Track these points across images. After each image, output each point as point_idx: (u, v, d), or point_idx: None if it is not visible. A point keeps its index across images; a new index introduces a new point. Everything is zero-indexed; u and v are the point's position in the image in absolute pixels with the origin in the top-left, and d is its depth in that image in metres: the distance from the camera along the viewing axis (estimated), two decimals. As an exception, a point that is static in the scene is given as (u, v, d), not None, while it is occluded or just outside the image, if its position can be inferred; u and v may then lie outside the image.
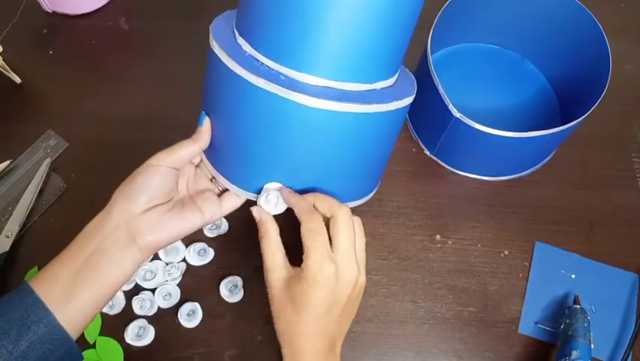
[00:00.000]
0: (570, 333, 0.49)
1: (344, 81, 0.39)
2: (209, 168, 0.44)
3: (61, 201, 0.58)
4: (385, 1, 0.36)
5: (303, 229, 0.37)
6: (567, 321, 0.51)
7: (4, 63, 0.63)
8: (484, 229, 0.59)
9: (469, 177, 0.62)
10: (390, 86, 0.43)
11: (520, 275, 0.57)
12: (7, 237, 0.54)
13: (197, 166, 0.46)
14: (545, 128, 0.51)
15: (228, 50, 0.39)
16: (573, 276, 0.57)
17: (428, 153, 0.63)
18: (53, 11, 0.70)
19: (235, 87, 0.39)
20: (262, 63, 0.39)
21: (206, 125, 0.42)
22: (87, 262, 0.38)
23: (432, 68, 0.53)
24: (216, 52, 0.39)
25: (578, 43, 0.59)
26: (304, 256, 0.37)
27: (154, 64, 0.68)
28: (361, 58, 0.39)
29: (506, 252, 0.58)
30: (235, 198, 0.44)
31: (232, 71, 0.38)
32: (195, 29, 0.72)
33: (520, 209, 0.60)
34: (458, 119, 0.52)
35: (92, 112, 0.64)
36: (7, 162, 0.59)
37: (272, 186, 0.41)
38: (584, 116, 0.51)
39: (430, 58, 0.53)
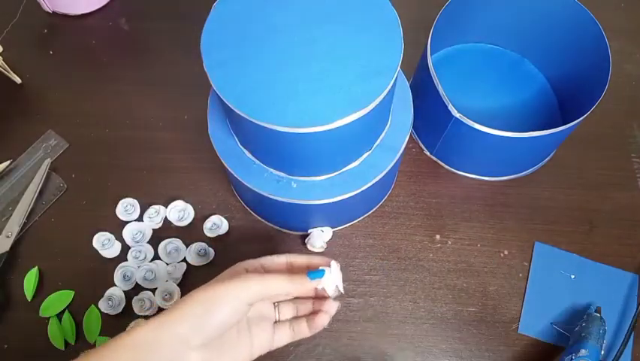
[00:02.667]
0: (583, 334, 0.50)
1: (329, 174, 0.47)
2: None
3: (61, 201, 0.58)
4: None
5: None
6: (583, 325, 0.51)
7: (4, 63, 0.63)
8: (484, 229, 0.59)
9: (469, 177, 0.62)
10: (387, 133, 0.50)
11: (520, 275, 0.57)
12: (7, 237, 0.54)
13: None
14: (545, 129, 0.51)
15: (235, 162, 0.47)
16: (573, 276, 0.57)
17: (428, 153, 0.63)
18: (53, 11, 0.70)
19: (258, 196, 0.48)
20: (271, 172, 0.47)
21: (313, 283, 0.38)
22: None
23: (432, 68, 0.53)
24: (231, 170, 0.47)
25: (578, 43, 0.59)
26: None
27: (154, 64, 0.68)
28: (358, 151, 0.47)
29: (506, 252, 0.58)
30: (288, 332, 0.41)
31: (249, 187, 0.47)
32: (195, 29, 0.72)
33: (520, 209, 0.60)
34: (458, 119, 0.52)
35: (92, 112, 0.64)
36: (7, 162, 0.59)
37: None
38: (584, 116, 0.51)
39: (430, 58, 0.53)
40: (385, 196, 0.59)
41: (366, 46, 0.40)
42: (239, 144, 0.47)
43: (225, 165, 0.47)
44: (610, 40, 0.55)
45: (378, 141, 0.48)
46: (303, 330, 0.41)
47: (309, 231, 0.55)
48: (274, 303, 0.42)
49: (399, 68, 0.40)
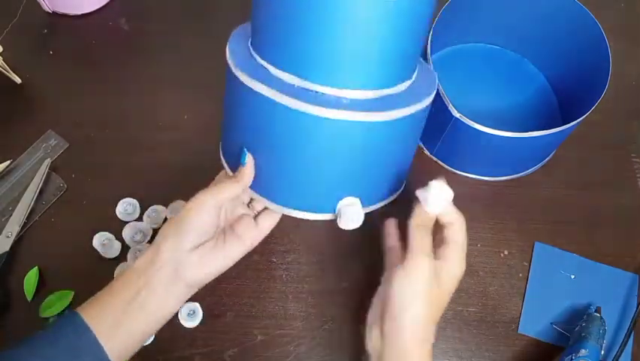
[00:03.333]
0: (583, 334, 0.50)
1: (383, 89, 0.40)
2: (264, 202, 0.44)
3: (61, 201, 0.58)
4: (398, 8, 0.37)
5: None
6: (583, 325, 0.51)
7: (4, 63, 0.63)
8: (484, 229, 0.59)
9: (469, 177, 0.62)
10: (411, 85, 0.44)
11: (520, 275, 0.57)
12: (7, 237, 0.54)
13: None
14: (545, 128, 0.51)
15: (256, 74, 0.39)
16: (573, 276, 0.57)
17: (428, 153, 0.63)
18: (53, 11, 0.70)
19: (274, 112, 0.38)
20: (293, 85, 0.39)
21: (249, 164, 0.42)
22: (136, 297, 0.39)
23: (432, 68, 0.53)
24: (247, 82, 0.39)
25: (578, 44, 0.59)
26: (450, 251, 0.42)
27: (154, 64, 0.68)
28: (399, 64, 0.40)
29: (506, 252, 0.58)
30: (270, 217, 0.45)
31: (267, 97, 0.38)
32: (195, 29, 0.73)
33: (520, 209, 0.60)
34: (458, 119, 0.52)
35: (92, 112, 0.64)
36: (7, 162, 0.59)
37: (350, 202, 0.42)
38: (584, 116, 0.51)
39: (430, 58, 0.53)
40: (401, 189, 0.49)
41: None
42: (259, 59, 0.41)
43: (240, 76, 0.39)
44: (610, 40, 0.55)
45: (413, 78, 0.43)
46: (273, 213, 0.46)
47: (337, 209, 0.43)
48: (248, 204, 0.47)
49: None
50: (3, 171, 0.59)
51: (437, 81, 0.46)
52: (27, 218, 0.56)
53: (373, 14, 0.36)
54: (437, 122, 0.56)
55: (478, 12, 0.62)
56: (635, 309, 0.54)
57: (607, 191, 0.62)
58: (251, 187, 0.43)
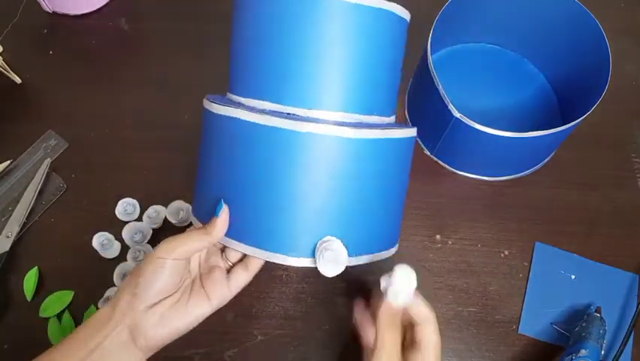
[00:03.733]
0: (583, 335, 0.50)
1: (356, 113, 0.39)
2: (234, 247, 0.39)
3: (61, 201, 0.58)
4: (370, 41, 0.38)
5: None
6: (583, 325, 0.51)
7: (4, 63, 0.63)
8: (484, 229, 0.59)
9: (469, 177, 0.62)
10: (393, 123, 0.44)
11: (520, 275, 0.57)
12: (7, 237, 0.54)
13: None
14: (545, 128, 0.51)
15: (230, 106, 0.39)
16: (573, 276, 0.57)
17: (428, 153, 0.63)
18: (53, 11, 0.70)
19: (245, 134, 0.37)
20: (264, 108, 0.38)
21: (223, 215, 0.38)
22: (88, 358, 0.37)
23: (432, 68, 0.53)
24: (217, 110, 0.39)
25: (578, 43, 0.59)
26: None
27: (154, 64, 0.68)
28: (372, 90, 0.40)
29: (506, 252, 0.58)
30: (244, 275, 0.43)
31: (238, 119, 0.37)
32: (195, 29, 0.73)
33: (520, 209, 0.60)
34: (458, 119, 0.52)
35: (92, 112, 0.64)
36: (7, 162, 0.59)
37: (337, 247, 0.37)
38: (584, 116, 0.51)
39: (430, 58, 0.53)
40: (392, 247, 0.45)
41: None
42: (233, 96, 0.41)
43: (210, 109, 0.40)
44: (610, 40, 0.55)
45: (390, 119, 0.43)
46: (256, 262, 0.43)
47: (318, 251, 0.38)
48: (222, 253, 0.44)
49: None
50: (3, 171, 0.59)
51: (415, 133, 0.44)
52: (27, 218, 0.56)
53: (336, 36, 0.37)
54: (437, 122, 0.56)
55: (477, 12, 0.62)
56: (635, 309, 0.54)
57: (607, 191, 0.62)
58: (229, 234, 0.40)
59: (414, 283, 0.38)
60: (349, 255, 0.38)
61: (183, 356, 0.52)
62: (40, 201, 0.58)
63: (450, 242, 0.58)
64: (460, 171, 0.62)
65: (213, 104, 0.39)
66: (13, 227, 0.55)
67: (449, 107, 0.52)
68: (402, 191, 0.45)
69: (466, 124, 0.51)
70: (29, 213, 0.56)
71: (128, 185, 0.59)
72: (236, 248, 0.39)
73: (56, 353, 0.38)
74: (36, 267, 0.54)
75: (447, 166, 0.62)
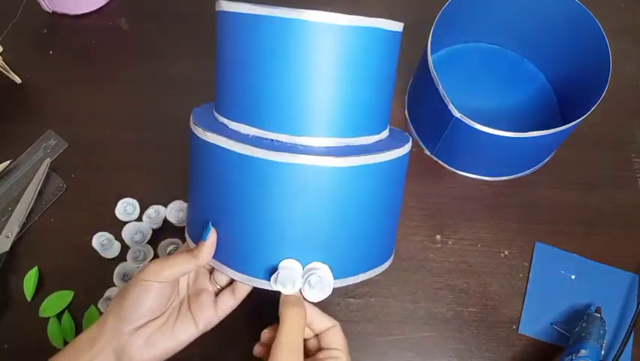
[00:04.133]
0: (583, 335, 0.50)
1: (352, 137, 0.39)
2: (221, 270, 0.40)
3: (61, 201, 0.58)
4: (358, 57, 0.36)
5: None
6: (583, 325, 0.51)
7: (4, 63, 0.63)
8: (484, 229, 0.59)
9: (469, 177, 0.62)
10: (385, 138, 0.43)
11: (520, 275, 0.57)
12: (7, 237, 0.54)
13: None
14: (545, 128, 0.51)
15: (214, 129, 0.38)
16: (573, 276, 0.57)
17: (428, 153, 0.63)
18: (53, 11, 0.70)
19: (229, 163, 0.37)
20: (270, 139, 0.37)
21: (211, 240, 0.38)
22: None
23: (432, 68, 0.53)
24: (202, 135, 0.38)
25: (578, 44, 0.59)
26: None
27: (154, 64, 0.68)
28: (365, 112, 0.39)
29: (506, 252, 0.58)
30: (231, 300, 0.42)
31: (221, 147, 0.36)
32: (195, 29, 0.73)
33: (520, 209, 0.60)
34: (458, 119, 0.52)
35: (91, 112, 0.64)
36: (7, 162, 0.59)
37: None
38: (584, 117, 0.51)
39: (430, 58, 0.53)
40: (385, 261, 0.44)
41: None
42: (219, 117, 0.40)
43: (195, 129, 0.39)
44: (610, 40, 0.55)
45: (380, 136, 0.42)
46: (243, 287, 0.42)
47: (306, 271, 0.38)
48: (210, 276, 0.44)
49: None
50: (3, 171, 0.59)
51: (410, 142, 0.43)
52: (27, 218, 0.56)
53: (323, 61, 0.35)
54: (437, 122, 0.56)
55: (477, 12, 0.62)
56: (635, 309, 0.54)
57: (607, 191, 0.62)
58: (216, 256, 0.40)
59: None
60: (335, 278, 0.38)
61: (183, 356, 0.52)
62: (40, 201, 0.58)
63: (450, 242, 0.58)
64: (460, 171, 0.62)
65: (198, 127, 0.39)
66: (13, 227, 0.55)
67: (449, 107, 0.52)
68: (395, 207, 0.43)
69: (466, 124, 0.51)
70: (29, 213, 0.56)
71: (128, 185, 0.59)
72: (224, 272, 0.39)
73: None
74: (36, 267, 0.54)
75: (447, 166, 0.62)
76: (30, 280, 0.53)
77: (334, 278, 0.38)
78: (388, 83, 0.41)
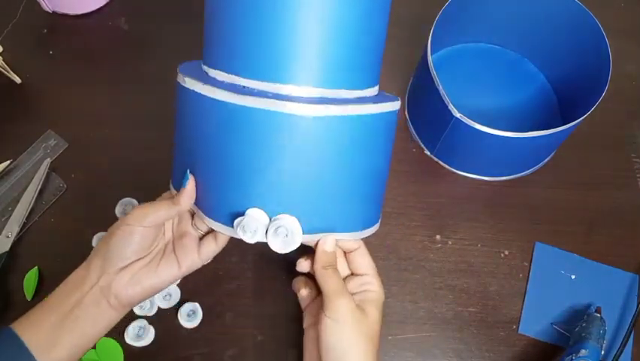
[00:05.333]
0: (583, 335, 0.50)
1: (331, 88, 0.37)
2: (201, 218, 0.41)
3: (61, 201, 0.58)
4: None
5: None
6: (583, 325, 0.51)
7: (4, 63, 0.63)
8: (484, 229, 0.59)
9: (469, 177, 0.62)
10: (371, 96, 0.41)
11: (520, 275, 0.57)
12: (7, 237, 0.54)
13: None
14: (545, 128, 0.51)
15: (193, 76, 0.39)
16: (573, 276, 0.57)
17: (428, 153, 0.63)
18: (53, 11, 0.70)
19: (202, 107, 0.37)
20: (242, 85, 0.37)
21: (189, 186, 0.40)
22: (70, 313, 0.39)
23: (432, 68, 0.53)
24: (187, 83, 0.39)
25: (578, 44, 0.59)
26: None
27: (154, 64, 0.68)
28: (345, 63, 0.37)
29: (506, 252, 0.58)
30: (213, 246, 0.43)
31: (194, 91, 0.37)
32: (195, 29, 0.72)
33: (520, 209, 0.60)
34: (458, 119, 0.52)
35: (92, 112, 0.64)
36: (7, 162, 0.59)
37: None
38: (584, 117, 0.51)
39: (430, 58, 0.53)
40: (370, 227, 0.44)
41: None
42: (207, 69, 0.40)
43: (181, 80, 0.40)
44: (610, 40, 0.55)
45: (367, 92, 0.40)
46: (224, 235, 0.43)
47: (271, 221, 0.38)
48: (192, 222, 0.45)
49: None
50: (3, 171, 0.59)
51: (399, 101, 0.42)
52: (27, 218, 0.56)
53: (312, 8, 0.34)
54: (437, 122, 0.56)
55: (477, 12, 0.62)
56: (635, 309, 0.54)
57: (607, 191, 0.62)
58: (195, 203, 0.41)
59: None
60: (305, 232, 0.38)
61: (183, 356, 0.52)
62: (40, 201, 0.58)
63: (450, 242, 0.58)
64: (460, 171, 0.62)
65: (179, 74, 0.40)
66: (13, 227, 0.55)
67: (449, 107, 0.52)
68: (377, 170, 0.42)
69: (466, 124, 0.51)
70: (29, 213, 0.56)
71: (128, 185, 0.59)
72: (199, 217, 0.41)
73: (40, 311, 0.40)
74: (36, 267, 0.54)
75: (447, 166, 0.62)
76: (30, 280, 0.53)
77: (303, 232, 0.38)
78: (379, 33, 0.39)
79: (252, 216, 0.37)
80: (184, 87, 0.39)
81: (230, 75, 0.37)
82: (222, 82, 0.38)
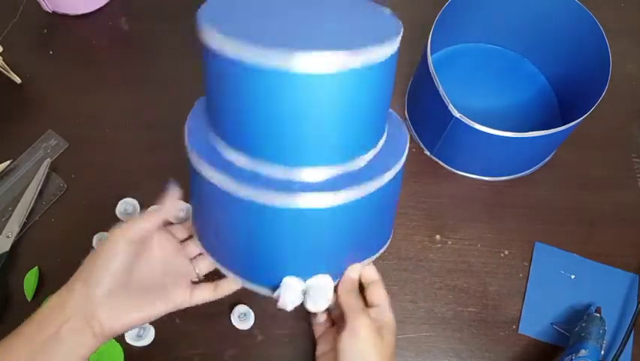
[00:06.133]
0: (583, 335, 0.50)
1: (347, 162, 0.37)
2: (218, 266, 0.41)
3: (61, 201, 0.58)
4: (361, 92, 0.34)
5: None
6: (583, 325, 0.51)
7: (4, 63, 0.63)
8: (484, 229, 0.59)
9: (469, 177, 0.62)
10: (380, 149, 0.41)
11: (520, 275, 0.57)
12: (7, 237, 0.54)
13: (182, 242, 0.46)
14: (545, 129, 0.51)
15: (210, 157, 0.37)
16: (573, 276, 0.57)
17: (428, 153, 0.63)
18: (53, 11, 0.70)
19: (224, 199, 0.37)
20: (251, 171, 0.36)
21: (172, 195, 0.41)
22: (43, 349, 0.36)
23: (432, 68, 0.53)
24: (197, 165, 0.38)
25: (578, 43, 0.59)
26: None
27: (154, 64, 0.68)
28: (359, 138, 0.37)
29: (506, 252, 0.58)
30: (209, 293, 0.44)
31: (217, 186, 0.36)
32: (195, 29, 0.72)
33: (520, 209, 0.60)
34: (458, 119, 0.52)
35: (92, 112, 0.64)
36: (7, 162, 0.59)
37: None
38: (584, 116, 0.51)
39: (430, 58, 0.53)
40: (384, 245, 0.47)
41: (368, 23, 0.36)
42: (218, 144, 0.39)
43: (197, 165, 0.38)
44: (610, 40, 0.55)
45: (381, 142, 0.40)
46: (226, 287, 0.44)
47: (305, 285, 0.40)
48: (190, 260, 0.45)
49: (399, 38, 0.35)
50: (3, 171, 0.59)
51: (407, 139, 0.42)
52: (27, 218, 0.56)
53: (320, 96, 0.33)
54: (437, 122, 0.56)
55: (478, 12, 0.62)
56: (635, 309, 0.54)
57: (607, 191, 0.62)
58: (220, 262, 0.41)
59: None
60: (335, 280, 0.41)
61: (183, 356, 0.52)
62: (40, 201, 0.58)
63: (450, 242, 0.58)
64: (460, 171, 0.62)
65: (193, 154, 0.38)
66: (13, 227, 0.55)
67: (449, 107, 0.52)
68: (393, 207, 0.44)
69: (466, 124, 0.51)
70: (29, 213, 0.56)
71: (128, 185, 0.59)
72: (229, 276, 0.41)
73: (12, 346, 0.37)
74: (36, 267, 0.54)
75: (447, 166, 0.62)
76: (30, 280, 0.53)
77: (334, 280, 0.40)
78: (386, 105, 0.40)
79: (289, 285, 0.38)
80: (201, 174, 0.38)
81: (249, 160, 0.36)
82: (242, 169, 0.36)
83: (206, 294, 0.43)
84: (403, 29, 0.36)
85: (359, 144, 0.38)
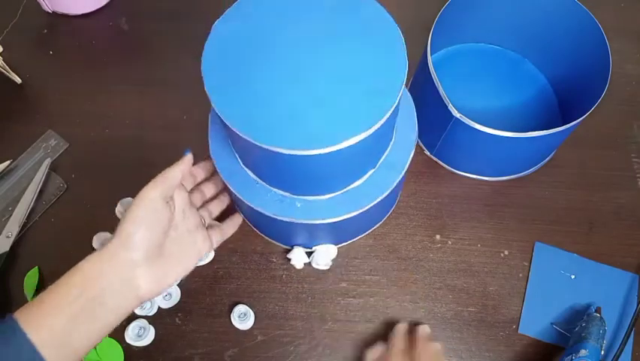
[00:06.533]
0: (583, 335, 0.50)
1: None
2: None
3: (61, 201, 0.58)
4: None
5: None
6: (583, 325, 0.51)
7: (4, 63, 0.63)
8: (484, 229, 0.59)
9: (469, 177, 0.62)
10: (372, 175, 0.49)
11: (520, 275, 0.57)
12: (7, 237, 0.54)
13: (190, 192, 0.48)
14: (545, 129, 0.51)
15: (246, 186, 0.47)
16: (573, 276, 0.57)
17: (428, 153, 0.63)
18: (53, 11, 0.70)
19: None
20: (274, 192, 0.46)
21: (188, 156, 0.45)
22: (85, 310, 0.37)
23: (432, 68, 0.53)
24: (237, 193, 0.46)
25: (578, 44, 0.59)
26: None
27: (154, 64, 0.68)
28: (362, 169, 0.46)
29: (506, 252, 0.58)
30: (220, 234, 0.50)
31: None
32: (195, 30, 0.72)
33: (520, 209, 0.60)
34: (458, 119, 0.52)
35: (92, 112, 0.64)
36: (7, 162, 0.59)
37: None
38: (584, 116, 0.51)
39: (430, 58, 0.53)
40: (389, 212, 0.59)
41: (371, 65, 0.39)
42: (241, 164, 0.47)
43: (228, 185, 0.46)
44: (610, 40, 0.54)
45: (383, 158, 0.47)
46: (228, 229, 0.52)
47: (313, 248, 0.55)
48: (197, 209, 0.48)
49: (403, 86, 0.39)
50: (3, 171, 0.59)
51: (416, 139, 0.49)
52: (27, 218, 0.56)
53: (324, 159, 0.38)
54: (437, 122, 0.56)
55: (478, 12, 0.62)
56: (635, 309, 0.54)
57: (607, 191, 0.62)
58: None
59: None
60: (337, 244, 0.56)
61: (183, 356, 0.52)
62: (40, 201, 0.58)
63: (450, 242, 0.58)
64: (460, 171, 0.62)
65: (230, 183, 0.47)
66: (13, 227, 0.55)
67: (449, 107, 0.52)
68: (392, 202, 0.59)
69: (466, 124, 0.51)
70: (29, 213, 0.56)
71: (128, 185, 0.58)
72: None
73: (50, 306, 0.37)
74: (36, 267, 0.54)
75: (447, 166, 0.62)
76: (30, 280, 0.53)
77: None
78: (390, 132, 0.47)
79: (299, 250, 0.55)
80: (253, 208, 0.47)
81: (279, 191, 0.46)
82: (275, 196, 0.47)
83: (218, 235, 0.49)
84: (407, 69, 0.40)
85: (362, 172, 0.46)
